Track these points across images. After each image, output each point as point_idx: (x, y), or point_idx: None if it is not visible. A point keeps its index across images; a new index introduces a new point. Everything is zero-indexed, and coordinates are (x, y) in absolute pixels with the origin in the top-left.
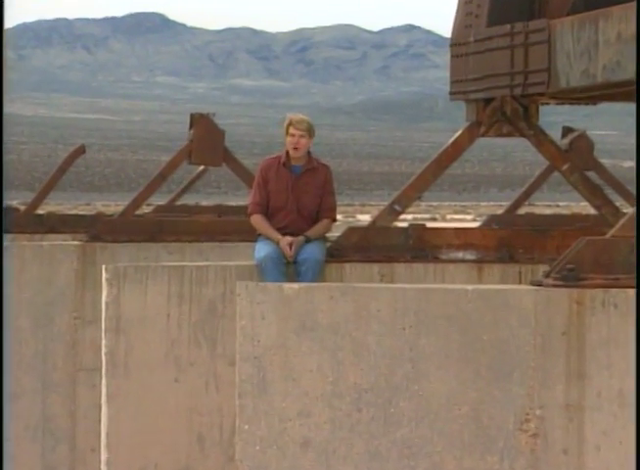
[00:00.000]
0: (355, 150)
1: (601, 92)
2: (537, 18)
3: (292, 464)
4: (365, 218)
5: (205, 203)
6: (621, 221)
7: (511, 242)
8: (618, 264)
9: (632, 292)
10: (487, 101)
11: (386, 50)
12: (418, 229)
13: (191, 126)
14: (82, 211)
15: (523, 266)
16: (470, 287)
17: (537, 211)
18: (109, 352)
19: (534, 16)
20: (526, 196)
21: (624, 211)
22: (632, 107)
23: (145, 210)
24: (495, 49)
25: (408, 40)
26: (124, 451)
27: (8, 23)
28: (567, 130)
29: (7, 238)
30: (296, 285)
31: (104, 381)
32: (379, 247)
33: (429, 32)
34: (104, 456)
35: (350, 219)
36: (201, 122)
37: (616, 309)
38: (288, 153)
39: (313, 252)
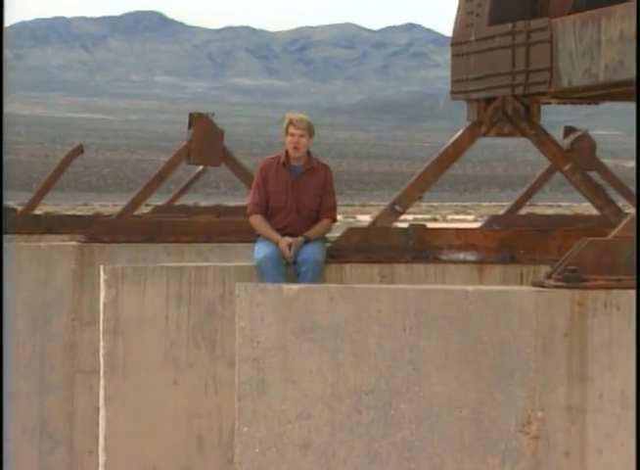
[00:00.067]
0: (355, 150)
1: (603, 91)
2: (539, 16)
3: (291, 467)
4: (365, 219)
5: (203, 203)
6: (624, 222)
7: (512, 243)
8: (621, 265)
9: (635, 293)
10: (489, 100)
11: (386, 49)
12: (418, 230)
13: (190, 126)
14: (80, 211)
15: (524, 267)
16: (471, 288)
17: (539, 211)
18: (107, 353)
19: (536, 14)
20: (528, 196)
21: (627, 211)
22: (635, 106)
23: (143, 210)
24: (497, 48)
25: (409, 39)
26: (123, 454)
27: (5, 22)
28: (569, 130)
29: (4, 239)
30: (295, 286)
31: (102, 383)
32: (379, 247)
33: (429, 31)
34: (102, 459)
35: (350, 220)
36: (199, 122)
37: (618, 311)
38: (287, 153)
39: (313, 252)
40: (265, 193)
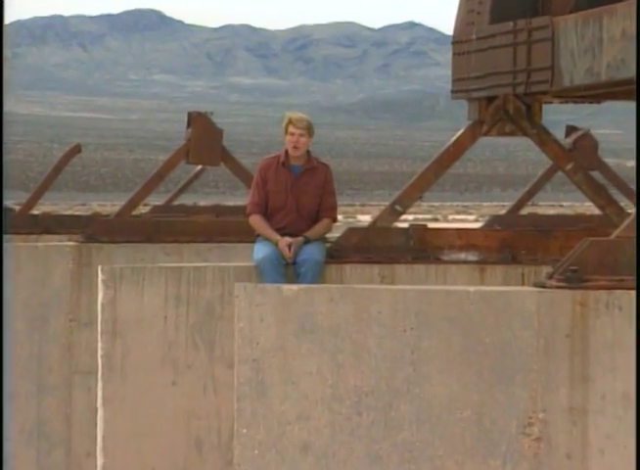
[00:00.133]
0: (355, 149)
1: (605, 90)
2: (540, 15)
3: (291, 468)
4: (365, 219)
5: (202, 203)
6: (626, 222)
7: (513, 243)
8: (623, 265)
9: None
10: (490, 99)
11: (386, 48)
12: (419, 230)
13: (188, 125)
14: (78, 211)
15: (525, 268)
16: (472, 288)
17: (540, 211)
18: (105, 354)
19: (537, 13)
20: (530, 196)
21: (629, 211)
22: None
23: (142, 210)
24: (498, 47)
25: (409, 38)
26: (121, 456)
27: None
28: (570, 129)
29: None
30: (295, 286)
31: (100, 384)
32: (379, 248)
33: (430, 30)
34: (100, 461)
35: (351, 220)
36: (198, 121)
37: (620, 311)
38: (287, 152)
39: (313, 253)
40: (265, 193)
